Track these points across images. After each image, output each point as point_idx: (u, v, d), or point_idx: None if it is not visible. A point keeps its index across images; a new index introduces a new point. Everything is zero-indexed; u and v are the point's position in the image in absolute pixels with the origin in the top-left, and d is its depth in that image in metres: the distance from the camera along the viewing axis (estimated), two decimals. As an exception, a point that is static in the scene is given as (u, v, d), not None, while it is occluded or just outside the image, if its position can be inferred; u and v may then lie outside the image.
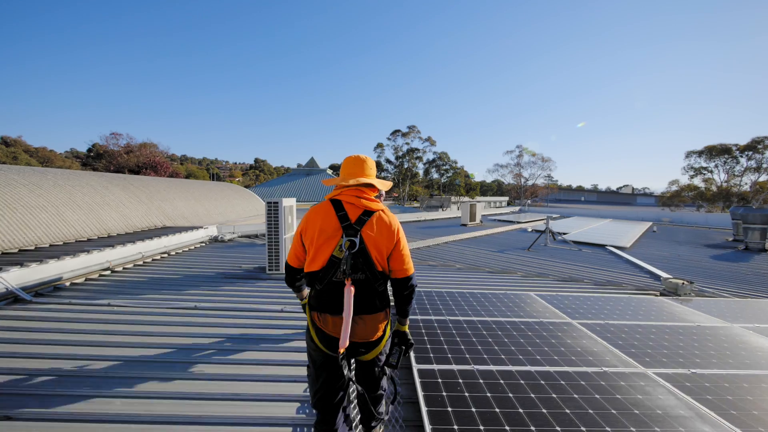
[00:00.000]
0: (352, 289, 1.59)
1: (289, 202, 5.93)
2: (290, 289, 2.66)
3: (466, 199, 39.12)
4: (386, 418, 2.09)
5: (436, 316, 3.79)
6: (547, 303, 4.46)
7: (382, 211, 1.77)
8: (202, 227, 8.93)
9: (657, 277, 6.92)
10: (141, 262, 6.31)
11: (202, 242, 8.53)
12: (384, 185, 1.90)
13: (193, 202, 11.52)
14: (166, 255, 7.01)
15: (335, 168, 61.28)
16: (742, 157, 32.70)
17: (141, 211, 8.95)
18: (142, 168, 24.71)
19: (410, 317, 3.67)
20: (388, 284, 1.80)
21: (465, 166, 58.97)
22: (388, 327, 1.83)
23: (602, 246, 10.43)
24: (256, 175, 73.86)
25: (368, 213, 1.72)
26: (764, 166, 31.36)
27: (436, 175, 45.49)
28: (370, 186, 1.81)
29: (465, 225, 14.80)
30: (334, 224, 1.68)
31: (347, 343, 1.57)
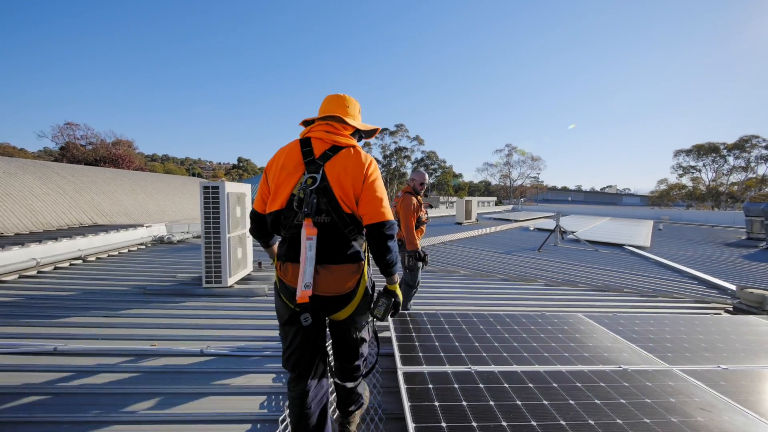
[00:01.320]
0: (307, 230, 1.41)
1: (237, 188, 4.31)
2: (221, 319, 2.78)
3: (455, 199, 38.01)
4: (365, 402, 1.89)
5: (454, 366, 2.27)
6: (610, 330, 3.00)
7: (354, 147, 1.57)
8: (142, 226, 7.17)
9: (707, 283, 5.60)
10: (34, 272, 4.56)
11: (141, 244, 6.79)
12: (360, 123, 1.70)
13: (143, 197, 9.69)
14: (79, 262, 5.27)
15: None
16: (729, 155, 32.60)
17: (63, 205, 7.14)
18: (101, 161, 22.30)
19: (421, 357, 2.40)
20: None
21: (453, 166, 58.05)
22: (362, 282, 1.57)
23: (619, 245, 9.17)
24: (240, 174, 71.24)
25: (336, 149, 1.54)
26: (752, 164, 31.27)
27: (424, 175, 44.20)
28: (343, 122, 1.62)
29: (460, 223, 13.40)
30: (296, 160, 1.53)
31: (302, 294, 1.40)
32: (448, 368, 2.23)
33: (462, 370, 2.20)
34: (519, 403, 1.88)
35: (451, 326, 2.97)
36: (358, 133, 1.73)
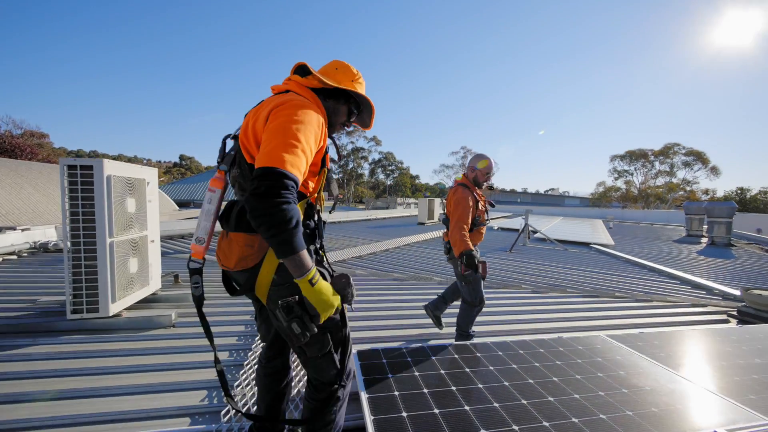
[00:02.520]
0: (211, 181, 1.25)
1: (129, 171, 2.97)
2: (88, 377, 2.04)
3: (413, 200, 37.84)
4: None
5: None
6: (645, 357, 2.22)
7: (290, 92, 1.21)
8: (14, 228, 5.34)
9: (690, 283, 5.28)
10: None
11: (12, 252, 4.99)
12: (322, 75, 1.28)
13: (30, 191, 7.57)
14: None
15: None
16: (656, 161, 36.09)
17: None
18: (-7, 151, 18.20)
19: None
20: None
21: (411, 167, 58.34)
22: (268, 265, 1.15)
23: (586, 244, 8.96)
24: (182, 173, 65.12)
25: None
26: (674, 169, 34.87)
27: (381, 176, 43.66)
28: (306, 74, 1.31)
29: (423, 223, 12.67)
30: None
31: (193, 248, 1.22)
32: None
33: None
34: None
35: (450, 369, 1.98)
36: (327, 93, 1.31)
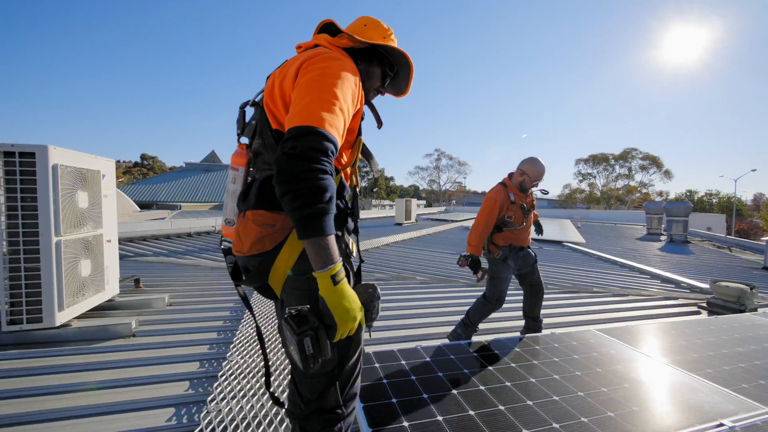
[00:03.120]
0: (232, 158, 1.09)
1: (80, 161, 2.62)
2: (27, 400, 1.73)
3: (388, 202, 37.91)
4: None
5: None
6: (639, 350, 2.21)
7: (318, 46, 1.04)
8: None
9: (659, 277, 5.51)
10: None
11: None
12: (351, 32, 1.09)
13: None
14: None
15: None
16: (616, 165, 38.35)
17: None
18: None
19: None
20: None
21: (386, 169, 58.42)
22: (290, 244, 0.93)
23: (559, 242, 9.22)
24: (144, 173, 61.43)
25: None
26: (632, 173, 37.19)
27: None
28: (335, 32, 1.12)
29: (400, 224, 12.60)
30: None
31: (223, 229, 1.10)
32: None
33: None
34: None
35: (448, 370, 1.84)
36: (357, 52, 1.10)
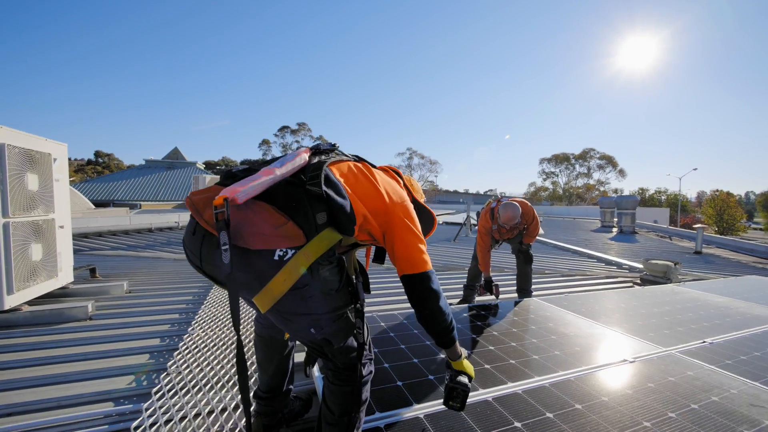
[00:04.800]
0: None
1: (26, 142, 2.56)
2: None
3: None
4: None
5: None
6: (570, 312, 2.50)
7: None
8: None
9: (604, 260, 6.02)
10: None
11: None
12: None
13: None
14: None
15: (211, 165, 52.50)
16: (576, 164, 40.59)
17: None
18: None
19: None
20: None
21: (358, 168, 58.08)
22: (299, 263, 0.87)
23: (520, 234, 9.74)
24: (99, 172, 57.38)
25: None
26: (591, 171, 39.52)
27: (329, 175, 43.03)
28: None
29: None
30: None
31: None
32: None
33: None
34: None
35: (397, 330, 2.01)
36: None
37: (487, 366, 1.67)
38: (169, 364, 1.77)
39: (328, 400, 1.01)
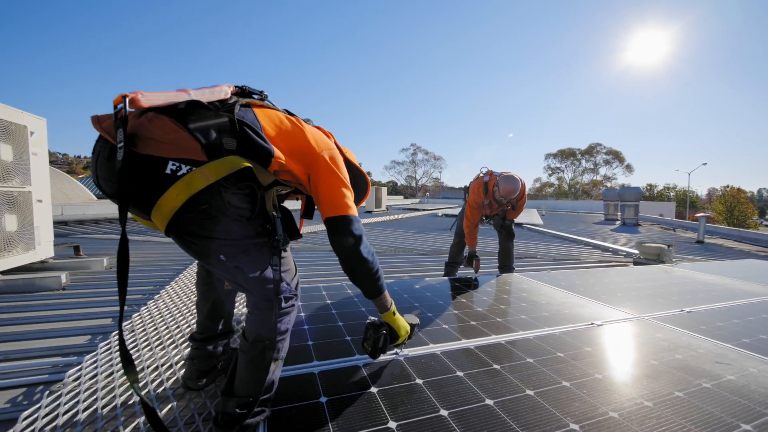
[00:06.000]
0: None
1: None
2: None
3: (366, 196, 37.95)
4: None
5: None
6: (547, 285, 2.43)
7: None
8: None
9: (600, 247, 5.90)
10: None
11: None
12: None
13: None
14: None
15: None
16: (582, 159, 40.06)
17: None
18: None
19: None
20: None
21: (362, 164, 58.26)
22: (194, 178, 0.82)
23: (519, 224, 9.63)
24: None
25: None
26: (598, 167, 38.98)
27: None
28: None
29: (370, 212, 12.71)
30: None
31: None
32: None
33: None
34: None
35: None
36: None
37: (445, 326, 1.62)
38: (124, 324, 1.75)
39: (245, 329, 0.98)
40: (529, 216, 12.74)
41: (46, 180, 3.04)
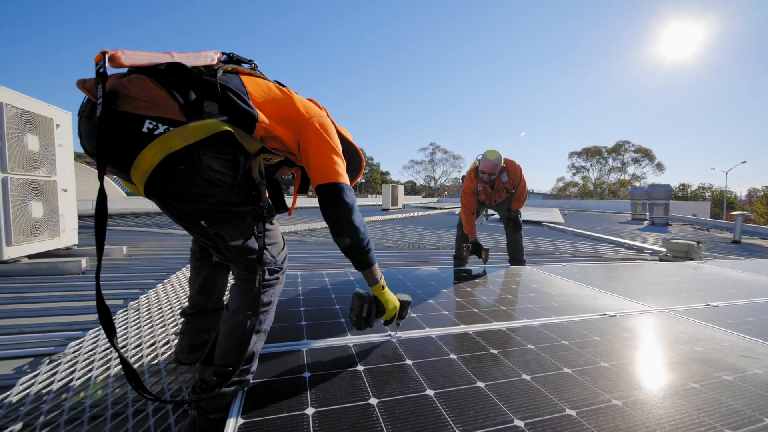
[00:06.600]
0: None
1: (27, 104, 2.69)
2: None
3: (384, 195, 37.98)
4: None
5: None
6: (560, 277, 2.32)
7: None
8: None
9: (624, 245, 5.62)
10: None
11: None
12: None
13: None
14: None
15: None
16: (609, 157, 38.47)
17: None
18: None
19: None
20: None
21: (381, 164, 58.40)
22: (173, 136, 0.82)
23: (538, 222, 9.34)
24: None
25: None
26: (625, 165, 37.33)
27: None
28: None
29: (387, 210, 12.69)
30: None
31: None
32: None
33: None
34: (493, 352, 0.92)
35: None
36: None
37: (444, 312, 1.57)
38: (132, 303, 1.80)
39: (228, 299, 0.97)
40: (549, 214, 12.34)
41: (71, 171, 3.19)
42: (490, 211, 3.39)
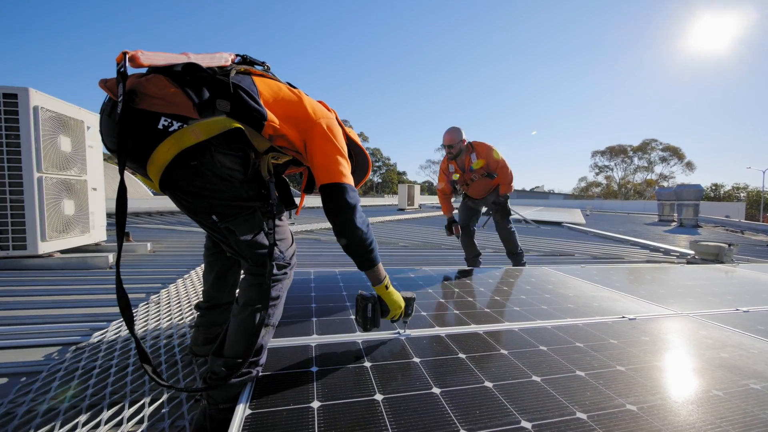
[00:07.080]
0: None
1: (60, 107, 2.84)
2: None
3: (400, 195, 37.89)
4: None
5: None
6: (577, 278, 2.25)
7: None
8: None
9: (649, 247, 5.39)
10: None
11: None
12: None
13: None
14: None
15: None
16: (635, 156, 37.00)
17: None
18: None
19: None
20: None
21: (398, 164, 58.36)
22: (187, 131, 0.85)
23: (558, 223, 9.09)
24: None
25: None
26: (652, 164, 35.82)
27: (368, 171, 43.62)
28: None
29: (403, 209, 12.67)
30: None
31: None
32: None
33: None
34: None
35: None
36: None
37: (455, 311, 1.55)
38: (153, 297, 1.87)
39: (238, 293, 0.99)
40: (570, 215, 12.00)
41: (101, 171, 3.35)
42: (491, 221, 3.35)
